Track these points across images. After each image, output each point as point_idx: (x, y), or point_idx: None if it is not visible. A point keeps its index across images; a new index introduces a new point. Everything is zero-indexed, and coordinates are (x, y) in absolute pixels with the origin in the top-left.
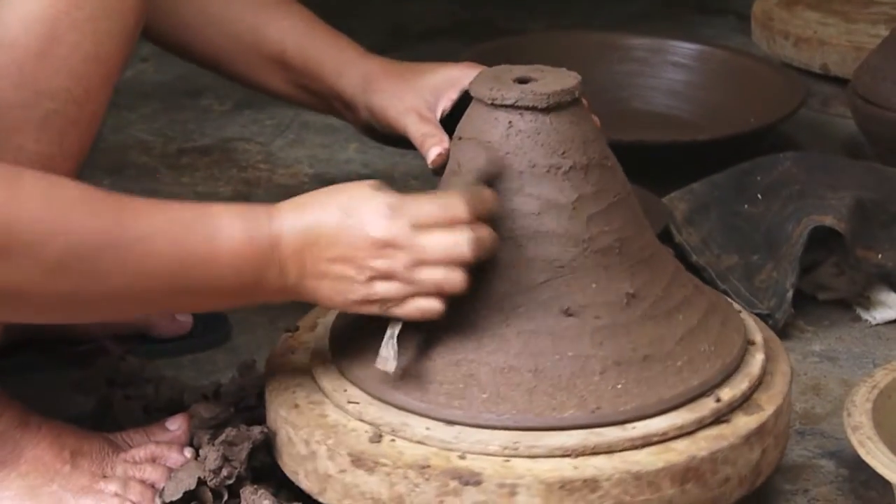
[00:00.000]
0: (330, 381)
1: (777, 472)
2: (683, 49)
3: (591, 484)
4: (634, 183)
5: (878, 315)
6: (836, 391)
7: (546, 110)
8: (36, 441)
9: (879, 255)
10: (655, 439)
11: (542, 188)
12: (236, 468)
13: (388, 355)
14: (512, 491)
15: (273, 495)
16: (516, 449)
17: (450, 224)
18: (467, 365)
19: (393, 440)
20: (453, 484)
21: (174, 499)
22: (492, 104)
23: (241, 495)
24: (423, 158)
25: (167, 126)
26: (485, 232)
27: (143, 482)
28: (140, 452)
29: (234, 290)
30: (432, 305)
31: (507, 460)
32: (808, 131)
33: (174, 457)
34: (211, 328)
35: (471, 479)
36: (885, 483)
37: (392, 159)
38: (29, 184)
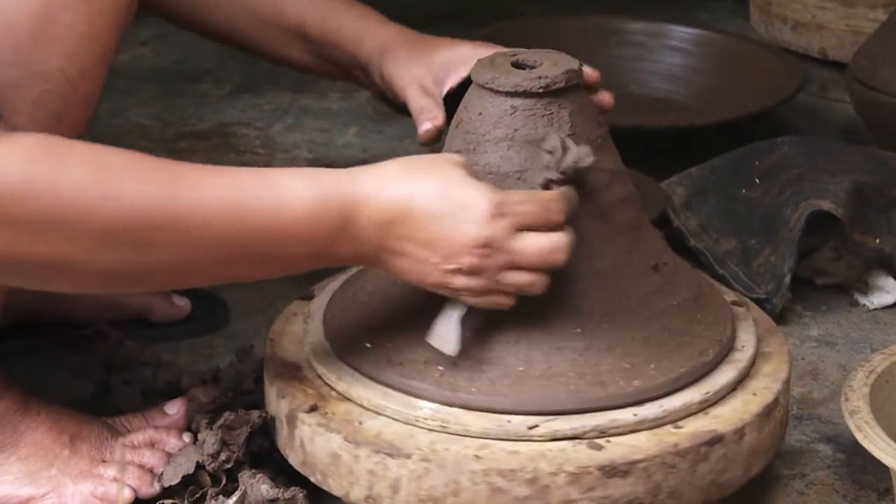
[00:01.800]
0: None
1: (775, 457)
2: (681, 33)
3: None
4: (632, 167)
5: (876, 300)
6: (834, 376)
7: (546, 95)
8: (35, 425)
9: (877, 240)
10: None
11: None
12: (234, 452)
13: (449, 337)
14: None
15: (271, 479)
16: None
17: (548, 226)
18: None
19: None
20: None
21: (173, 483)
22: (491, 89)
23: (240, 479)
24: (421, 144)
25: (165, 110)
26: (572, 236)
27: (141, 467)
28: (139, 437)
29: (303, 257)
30: (507, 301)
31: None
32: (807, 116)
33: (173, 441)
34: (209, 313)
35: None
36: (883, 467)
37: (391, 143)
38: (77, 152)
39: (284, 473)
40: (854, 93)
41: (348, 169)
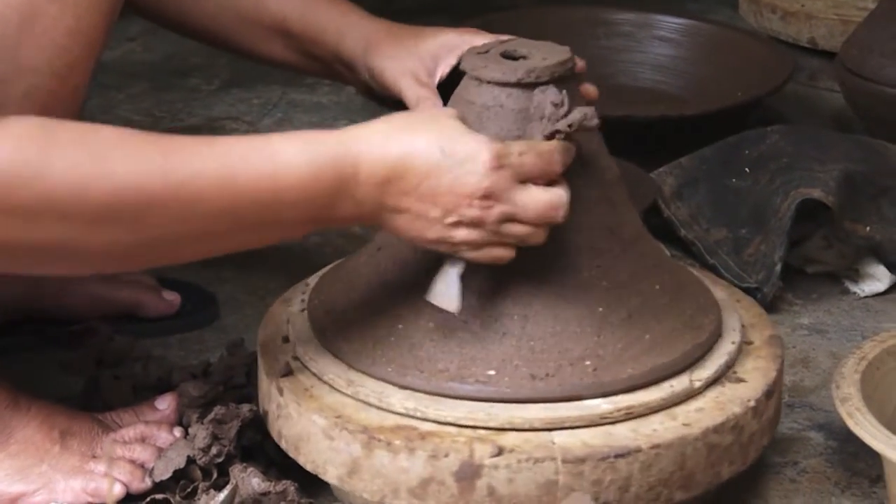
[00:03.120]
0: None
1: (767, 445)
2: (670, 23)
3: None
4: (622, 158)
5: (867, 288)
6: (825, 364)
7: (537, 85)
8: (26, 421)
9: (867, 228)
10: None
11: None
12: (225, 446)
13: (448, 293)
14: None
15: (262, 473)
16: None
17: (544, 178)
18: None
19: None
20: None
21: (164, 478)
22: (481, 80)
23: (231, 473)
24: None
25: (155, 106)
26: (570, 192)
27: (132, 462)
28: (129, 432)
29: (301, 222)
30: (506, 254)
31: None
32: (796, 105)
33: (163, 436)
34: (199, 307)
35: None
36: (874, 454)
37: None
38: (66, 132)
39: (276, 467)
40: (843, 82)
41: (342, 129)
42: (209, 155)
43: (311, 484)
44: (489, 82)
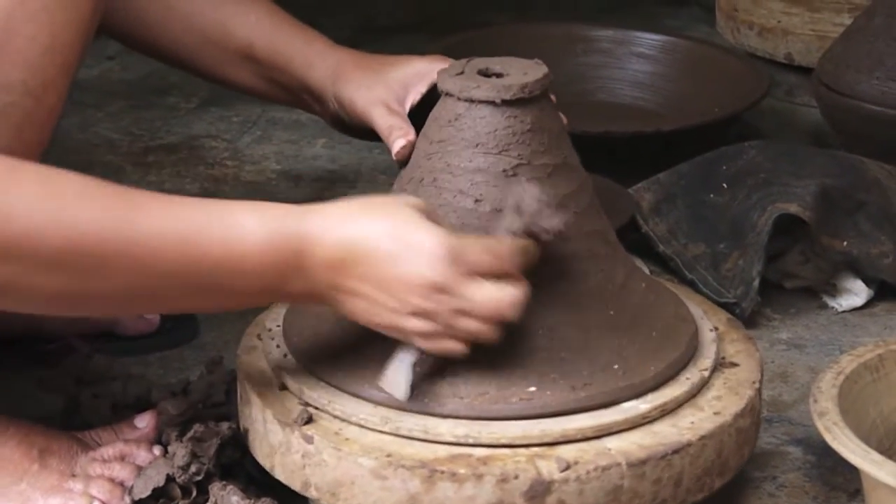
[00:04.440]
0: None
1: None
2: (648, 40)
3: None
4: (600, 174)
5: (844, 302)
6: (804, 378)
7: (514, 103)
8: (4, 440)
9: (845, 243)
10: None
11: None
12: (205, 464)
13: (399, 381)
14: None
15: (241, 490)
16: None
17: (500, 276)
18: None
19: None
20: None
21: (143, 496)
22: (459, 98)
23: (210, 491)
24: (389, 153)
25: (133, 124)
26: (526, 290)
27: (111, 480)
28: (109, 451)
29: (253, 292)
30: (458, 348)
31: None
32: (774, 121)
33: (143, 454)
34: (178, 326)
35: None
36: (852, 468)
37: (359, 154)
38: (27, 174)
39: (255, 484)
40: (820, 97)
41: (304, 206)
42: (170, 215)
43: (290, 501)
44: (468, 100)
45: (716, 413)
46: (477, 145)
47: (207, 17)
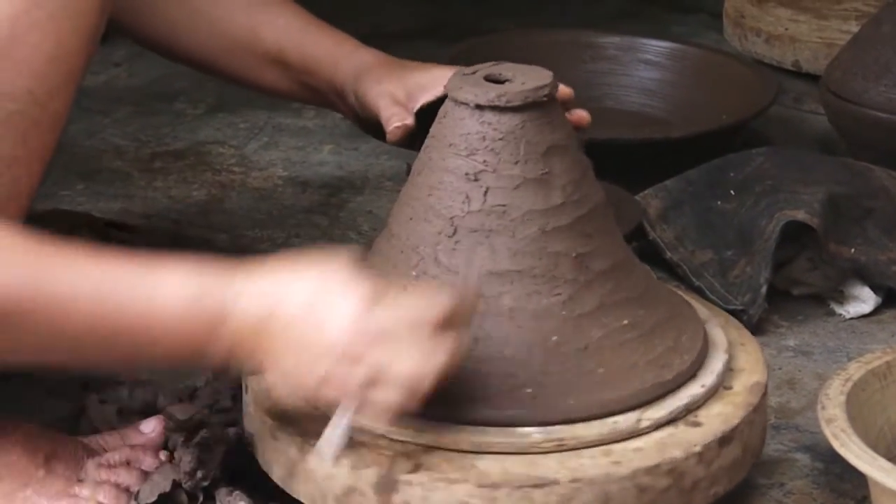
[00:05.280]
0: None
1: (753, 467)
2: (655, 47)
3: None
4: (608, 181)
5: (852, 309)
6: (811, 385)
7: (521, 109)
8: (9, 446)
9: (852, 250)
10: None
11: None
12: (211, 470)
13: (332, 442)
14: None
15: (248, 496)
16: None
17: (421, 335)
18: None
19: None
20: None
21: (149, 501)
22: (466, 104)
23: (217, 497)
24: (397, 160)
25: (140, 130)
26: (454, 355)
27: (117, 486)
28: (115, 456)
29: (175, 355)
30: (383, 417)
31: None
32: (781, 128)
33: (149, 460)
34: None
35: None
36: (860, 475)
37: (366, 161)
38: None
39: (262, 491)
40: (828, 104)
41: (231, 268)
42: (89, 274)
43: None
44: (474, 105)
45: (615, 462)
46: (450, 145)
47: (236, 22)
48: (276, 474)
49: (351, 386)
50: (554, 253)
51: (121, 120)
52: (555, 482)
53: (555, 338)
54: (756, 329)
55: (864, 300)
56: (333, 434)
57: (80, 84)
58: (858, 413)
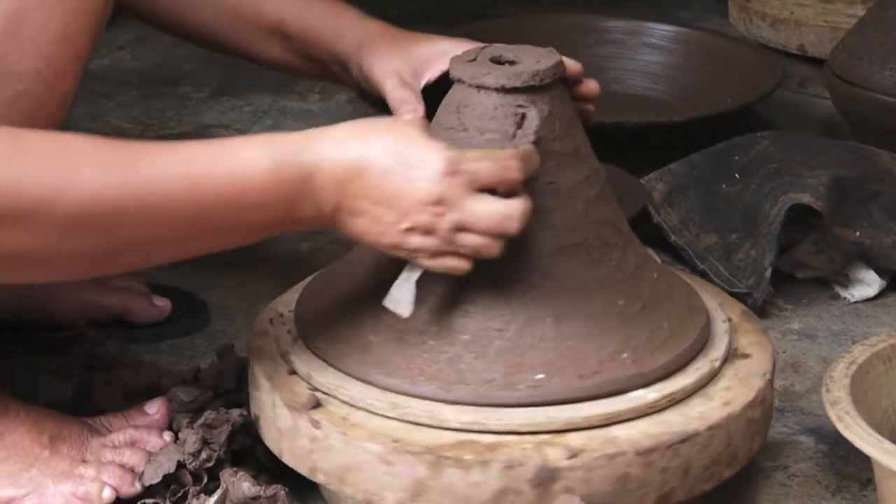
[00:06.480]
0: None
1: (757, 450)
2: (660, 31)
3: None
4: (613, 164)
5: (857, 293)
6: (816, 368)
7: (549, 87)
8: (14, 426)
9: (857, 233)
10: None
11: None
12: (216, 451)
13: (402, 298)
14: None
15: (252, 477)
16: None
17: (503, 185)
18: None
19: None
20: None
21: (154, 482)
22: (470, 84)
23: (221, 478)
24: None
25: (144, 113)
26: (529, 204)
27: (122, 466)
28: (119, 437)
29: (264, 224)
30: (462, 266)
31: None
32: (786, 112)
33: (153, 440)
34: (190, 313)
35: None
36: (864, 458)
37: None
38: (32, 141)
39: (266, 471)
40: (833, 88)
41: (306, 133)
42: (174, 161)
43: (301, 488)
44: (479, 87)
45: (725, 403)
46: (483, 133)
47: None
48: (392, 499)
49: (441, 230)
50: (597, 221)
51: (125, 103)
52: (696, 433)
53: (621, 301)
54: (760, 312)
55: (868, 283)
56: (405, 289)
57: (87, 65)
58: (863, 396)
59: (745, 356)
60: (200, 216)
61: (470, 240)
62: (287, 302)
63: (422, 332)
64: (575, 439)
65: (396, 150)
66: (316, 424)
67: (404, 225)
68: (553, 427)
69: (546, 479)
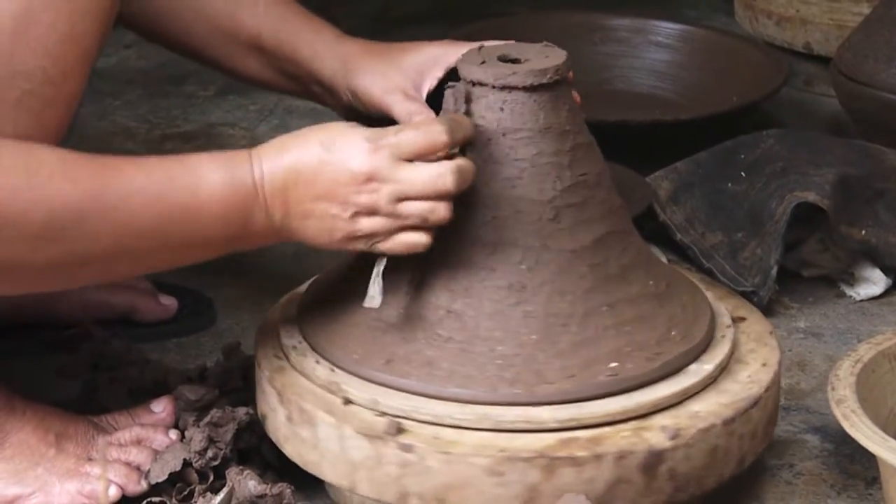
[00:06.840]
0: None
1: (763, 449)
2: (666, 29)
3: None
4: (618, 162)
5: (862, 291)
6: (821, 367)
7: (534, 89)
8: (21, 425)
9: (863, 232)
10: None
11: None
12: (221, 449)
13: (374, 293)
14: None
15: (258, 475)
16: None
17: (431, 152)
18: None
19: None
20: None
21: (160, 480)
22: (480, 84)
23: (227, 476)
24: None
25: (151, 112)
26: (465, 162)
27: (128, 464)
28: (125, 435)
29: (223, 238)
30: (419, 239)
31: None
32: (792, 110)
33: (159, 439)
34: (196, 312)
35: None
36: (870, 456)
37: None
38: (5, 154)
39: (272, 470)
40: (839, 86)
41: (257, 146)
42: (139, 175)
43: (306, 486)
44: (492, 86)
45: (763, 365)
46: (513, 131)
47: (217, 8)
48: None
49: (383, 207)
50: (617, 208)
51: (131, 102)
52: (759, 397)
53: (651, 282)
54: (766, 311)
55: (874, 282)
56: (374, 286)
57: (94, 65)
58: (869, 394)
59: (742, 319)
60: (164, 229)
61: (413, 207)
62: (290, 332)
63: (486, 339)
64: (662, 420)
65: (324, 145)
66: (407, 448)
67: (348, 212)
68: (641, 412)
69: (654, 462)
